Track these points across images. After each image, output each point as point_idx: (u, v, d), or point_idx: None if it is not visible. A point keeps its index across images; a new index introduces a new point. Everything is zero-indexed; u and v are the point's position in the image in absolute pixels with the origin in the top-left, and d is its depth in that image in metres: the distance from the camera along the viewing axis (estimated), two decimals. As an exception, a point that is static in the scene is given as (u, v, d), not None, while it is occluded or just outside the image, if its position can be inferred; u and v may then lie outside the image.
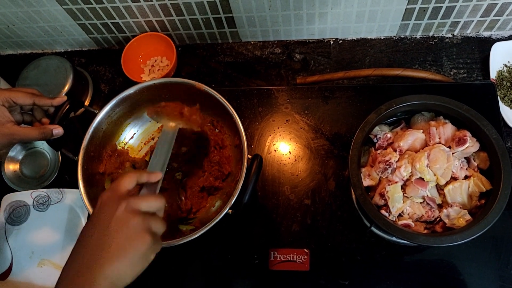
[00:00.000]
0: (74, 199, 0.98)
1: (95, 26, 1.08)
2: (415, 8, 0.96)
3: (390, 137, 0.81)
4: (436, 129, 0.78)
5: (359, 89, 0.95)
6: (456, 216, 0.73)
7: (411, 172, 0.76)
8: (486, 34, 1.06)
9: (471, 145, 0.76)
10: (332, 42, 1.12)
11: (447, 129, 0.78)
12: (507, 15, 0.98)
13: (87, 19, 1.05)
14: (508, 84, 0.97)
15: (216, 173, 0.87)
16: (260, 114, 0.96)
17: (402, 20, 1.01)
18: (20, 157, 1.07)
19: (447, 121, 0.80)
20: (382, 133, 0.82)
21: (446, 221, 0.74)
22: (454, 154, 0.76)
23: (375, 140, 0.82)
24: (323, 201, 0.88)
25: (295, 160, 0.92)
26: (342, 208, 0.87)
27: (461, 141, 0.75)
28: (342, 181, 0.89)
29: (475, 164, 0.78)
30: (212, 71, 1.13)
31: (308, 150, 0.92)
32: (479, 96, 0.90)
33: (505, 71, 0.99)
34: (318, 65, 1.10)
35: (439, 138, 0.78)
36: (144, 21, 1.06)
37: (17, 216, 0.98)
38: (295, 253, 0.86)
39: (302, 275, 0.84)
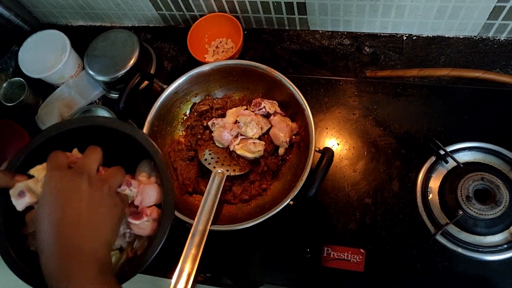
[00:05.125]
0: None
1: (165, 2, 1.08)
2: (505, 6, 0.89)
3: None
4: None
5: (434, 89, 0.90)
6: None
7: None
8: None
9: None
10: (405, 38, 1.06)
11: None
12: None
13: (158, -5, 1.05)
14: None
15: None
16: (326, 105, 0.93)
17: (488, 19, 0.94)
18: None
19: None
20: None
21: None
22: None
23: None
24: (385, 202, 0.84)
25: (359, 156, 0.88)
26: (404, 211, 0.83)
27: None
28: (407, 183, 0.85)
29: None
30: (277, 57, 1.10)
31: (374, 147, 0.88)
32: None
33: None
34: (388, 60, 1.05)
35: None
36: (214, 0, 1.05)
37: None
38: (350, 252, 0.82)
39: (355, 275, 0.80)
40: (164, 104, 0.82)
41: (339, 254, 0.83)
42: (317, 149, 0.73)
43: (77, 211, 0.54)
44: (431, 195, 0.82)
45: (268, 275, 0.84)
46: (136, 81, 0.77)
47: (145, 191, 0.68)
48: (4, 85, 1.09)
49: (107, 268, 0.55)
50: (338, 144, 0.90)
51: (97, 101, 1.14)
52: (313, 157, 0.72)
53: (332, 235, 0.84)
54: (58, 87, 1.14)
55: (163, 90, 0.81)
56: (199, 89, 0.87)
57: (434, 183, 0.83)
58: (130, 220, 0.66)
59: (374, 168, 0.87)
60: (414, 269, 0.78)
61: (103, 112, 1.07)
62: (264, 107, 0.81)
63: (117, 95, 1.12)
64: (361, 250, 0.82)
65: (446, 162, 0.83)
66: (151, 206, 0.68)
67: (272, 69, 0.79)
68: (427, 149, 0.85)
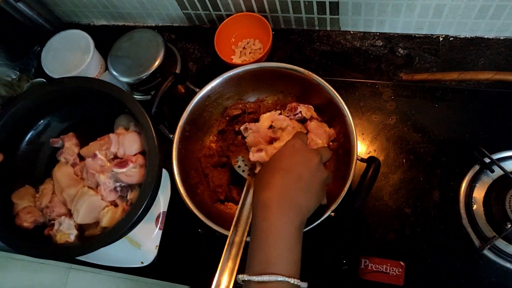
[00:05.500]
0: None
1: (191, 1, 1.05)
2: (553, 7, 0.84)
3: None
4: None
5: (476, 93, 0.86)
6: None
7: None
8: None
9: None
10: (441, 39, 1.02)
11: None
12: None
13: (185, -6, 1.02)
14: None
15: None
16: (361, 110, 0.89)
17: (532, 20, 0.90)
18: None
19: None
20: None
21: None
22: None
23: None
24: (425, 212, 0.80)
25: (397, 164, 0.84)
26: (446, 222, 0.79)
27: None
28: (449, 192, 0.80)
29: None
30: (306, 59, 1.06)
31: (412, 154, 0.84)
32: None
33: None
34: (423, 63, 1.00)
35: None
36: None
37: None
38: (388, 264, 0.79)
39: (394, 289, 0.77)
40: (196, 108, 0.79)
41: (377, 266, 0.79)
42: (359, 157, 0.69)
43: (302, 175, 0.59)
44: (475, 206, 0.78)
45: (302, 287, 0.80)
46: (169, 84, 0.74)
47: (125, 141, 0.73)
48: (27, 86, 1.07)
49: (303, 221, 0.59)
50: (375, 150, 0.86)
51: (121, 103, 1.11)
52: (355, 166, 0.68)
53: (370, 246, 0.80)
54: (80, 88, 1.11)
55: (194, 93, 0.78)
56: (231, 92, 0.83)
57: (479, 193, 0.79)
58: (116, 169, 0.70)
59: (413, 176, 0.83)
60: (458, 284, 0.75)
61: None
62: (300, 112, 0.78)
63: (141, 97, 1.10)
64: (401, 263, 0.78)
65: (492, 171, 0.78)
66: (135, 154, 0.73)
67: (310, 73, 0.75)
68: (470, 157, 0.81)
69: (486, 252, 0.74)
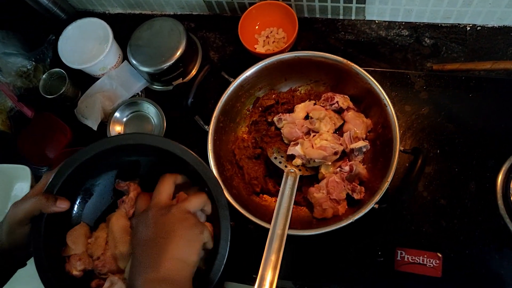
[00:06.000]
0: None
1: (213, -11, 1.02)
2: None
3: None
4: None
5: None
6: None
7: None
8: None
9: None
10: (468, 28, 1.00)
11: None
12: None
13: (207, -20, 0.99)
14: None
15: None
16: (393, 100, 0.88)
17: None
18: (124, 119, 1.04)
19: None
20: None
21: None
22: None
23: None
24: (461, 204, 0.79)
25: (431, 154, 0.83)
26: (484, 213, 0.78)
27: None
28: (485, 183, 0.80)
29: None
30: (331, 48, 1.04)
31: (447, 145, 0.83)
32: None
33: None
34: (450, 53, 0.99)
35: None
36: (267, -13, 0.99)
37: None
38: (425, 256, 0.78)
39: (432, 280, 0.76)
40: (230, 98, 0.77)
41: (413, 258, 0.78)
42: (401, 148, 0.68)
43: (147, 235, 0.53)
44: (513, 197, 0.78)
45: (337, 279, 0.79)
46: (205, 73, 0.72)
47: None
48: (44, 76, 1.03)
49: (184, 284, 0.53)
50: (407, 140, 0.85)
51: (140, 94, 1.08)
52: (398, 158, 0.67)
53: (406, 238, 0.79)
54: (97, 78, 1.08)
55: (229, 83, 0.76)
56: (263, 82, 0.81)
57: (516, 184, 0.78)
58: None
59: (448, 167, 0.82)
60: (497, 275, 0.74)
61: (148, 106, 1.02)
62: (337, 102, 0.76)
63: (161, 87, 1.07)
64: (438, 254, 0.77)
65: (530, 161, 0.78)
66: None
67: (349, 62, 0.73)
68: (506, 148, 0.80)
69: (528, 243, 0.73)
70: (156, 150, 0.61)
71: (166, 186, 0.58)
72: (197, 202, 0.59)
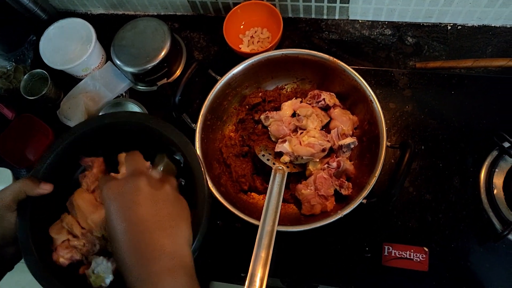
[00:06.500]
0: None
1: (198, -11, 1.02)
2: None
3: None
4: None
5: (492, 80, 0.87)
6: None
7: None
8: None
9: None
10: (449, 27, 1.02)
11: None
12: None
13: (191, -19, 0.99)
14: None
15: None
16: (378, 98, 0.88)
17: (540, 8, 0.91)
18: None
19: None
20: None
21: None
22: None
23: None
24: (446, 198, 0.81)
25: (416, 150, 0.84)
26: (468, 207, 0.80)
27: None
28: (469, 178, 0.81)
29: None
30: (315, 48, 1.04)
31: (431, 141, 0.85)
32: None
33: None
34: (432, 51, 1.01)
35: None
36: (252, -13, 0.99)
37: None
38: (412, 251, 0.79)
39: (419, 275, 0.77)
40: (217, 96, 0.76)
41: (400, 252, 0.79)
42: (388, 143, 0.69)
43: (144, 215, 0.48)
44: (495, 191, 0.79)
45: (324, 276, 0.79)
46: (192, 71, 0.71)
47: None
48: (25, 77, 1.01)
49: (192, 270, 0.49)
50: (392, 137, 0.86)
51: (124, 94, 1.07)
52: (385, 153, 0.68)
53: (392, 233, 0.80)
54: (80, 79, 1.07)
55: (215, 81, 0.75)
56: (250, 80, 0.81)
57: (498, 179, 0.80)
58: None
59: (432, 163, 0.83)
60: (483, 268, 0.75)
61: (133, 106, 1.01)
62: (324, 99, 0.76)
63: (145, 88, 1.06)
64: (425, 249, 0.78)
65: (511, 156, 0.79)
66: None
67: (335, 59, 0.74)
68: (488, 143, 0.82)
69: (510, 236, 0.75)
70: (132, 125, 0.62)
71: (138, 155, 0.55)
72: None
